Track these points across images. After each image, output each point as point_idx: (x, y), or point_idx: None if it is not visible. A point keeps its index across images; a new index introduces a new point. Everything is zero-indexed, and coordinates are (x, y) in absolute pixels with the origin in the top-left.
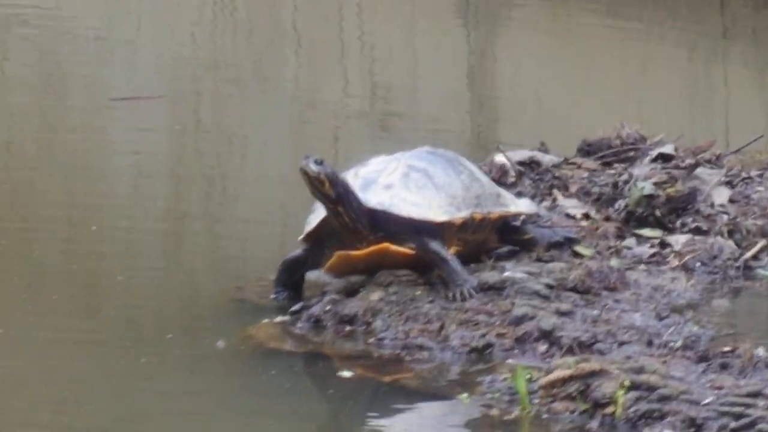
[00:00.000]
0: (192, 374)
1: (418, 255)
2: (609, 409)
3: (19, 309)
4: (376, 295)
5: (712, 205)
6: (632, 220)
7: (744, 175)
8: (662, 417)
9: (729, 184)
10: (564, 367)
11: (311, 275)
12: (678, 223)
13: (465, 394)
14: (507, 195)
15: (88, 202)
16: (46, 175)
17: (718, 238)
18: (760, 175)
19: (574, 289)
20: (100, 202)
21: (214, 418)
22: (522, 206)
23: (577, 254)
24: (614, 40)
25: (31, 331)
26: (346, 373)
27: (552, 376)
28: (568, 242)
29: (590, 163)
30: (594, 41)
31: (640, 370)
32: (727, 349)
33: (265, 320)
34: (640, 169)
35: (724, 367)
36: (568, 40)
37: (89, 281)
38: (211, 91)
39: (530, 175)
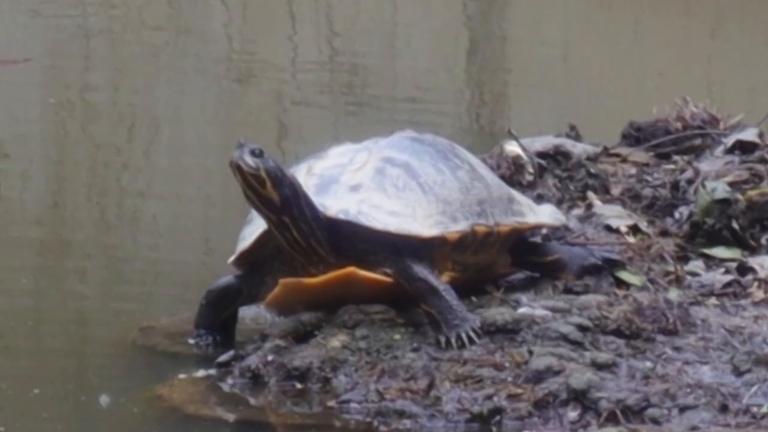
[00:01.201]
0: None
1: (396, 284)
2: None
3: None
4: (337, 341)
5: None
6: (699, 236)
7: None
8: None
9: None
10: None
11: (247, 312)
12: (764, 240)
13: None
14: (523, 200)
15: None
16: None
17: None
18: None
19: (617, 333)
20: None
21: None
22: (544, 216)
23: (621, 283)
24: None
25: None
26: None
27: None
28: (609, 266)
29: (640, 155)
30: None
31: None
32: None
33: (182, 375)
34: (711, 164)
35: None
36: None
37: None
38: (106, 53)
39: (555, 171)
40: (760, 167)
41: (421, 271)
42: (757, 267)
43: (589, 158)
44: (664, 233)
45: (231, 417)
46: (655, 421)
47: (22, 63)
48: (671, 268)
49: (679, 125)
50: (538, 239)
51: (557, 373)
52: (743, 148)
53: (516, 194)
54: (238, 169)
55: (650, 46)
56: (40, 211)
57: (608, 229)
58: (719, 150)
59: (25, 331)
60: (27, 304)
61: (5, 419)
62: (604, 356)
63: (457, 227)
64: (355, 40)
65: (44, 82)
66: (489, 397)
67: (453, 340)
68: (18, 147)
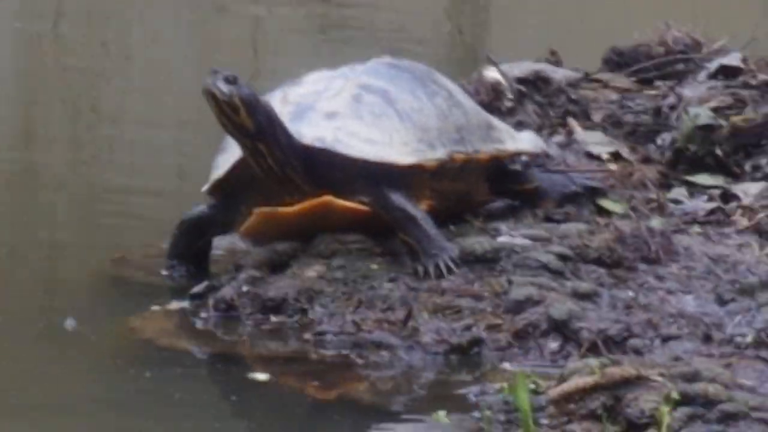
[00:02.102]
0: (46, 382)
1: (373, 212)
2: None
3: None
4: (313, 271)
5: None
6: (682, 162)
7: None
8: None
9: None
10: (584, 372)
11: (221, 242)
12: (748, 166)
13: (442, 412)
14: (502, 127)
15: None
16: None
17: None
18: None
19: (598, 261)
20: None
21: None
22: (523, 143)
23: (603, 211)
24: None
25: None
26: (262, 377)
27: (567, 386)
28: (590, 194)
29: (621, 80)
30: None
31: (693, 377)
32: None
33: (155, 307)
34: (694, 89)
35: None
36: None
37: None
38: None
39: (535, 97)
40: (744, 92)
41: (398, 199)
42: (740, 194)
43: (569, 84)
44: (646, 160)
45: (205, 350)
46: (637, 352)
47: None
48: (653, 196)
49: (661, 50)
50: (517, 167)
51: (537, 303)
52: (727, 73)
53: (495, 121)
54: (211, 96)
55: None
56: (11, 139)
57: (589, 156)
58: (702, 75)
59: None
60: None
61: None
62: (585, 286)
63: (435, 154)
64: None
65: (15, 9)
66: (468, 328)
67: (431, 270)
68: None
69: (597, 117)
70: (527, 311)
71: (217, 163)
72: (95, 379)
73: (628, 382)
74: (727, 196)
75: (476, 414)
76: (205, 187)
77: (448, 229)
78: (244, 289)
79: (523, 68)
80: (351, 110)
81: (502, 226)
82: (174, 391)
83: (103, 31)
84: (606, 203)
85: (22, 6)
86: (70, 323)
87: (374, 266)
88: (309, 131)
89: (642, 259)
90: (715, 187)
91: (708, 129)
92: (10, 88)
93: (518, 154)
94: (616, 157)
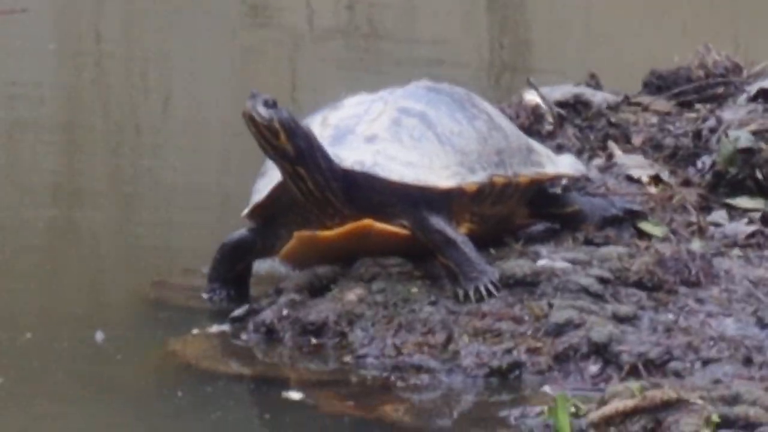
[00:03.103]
0: (95, 410)
1: (413, 236)
2: None
3: None
4: (353, 295)
5: None
6: (722, 185)
7: None
8: None
9: None
10: (625, 395)
11: (261, 266)
12: None
13: None
14: (542, 150)
15: None
16: None
17: None
18: None
19: (638, 285)
20: None
21: None
22: (563, 166)
23: (643, 234)
24: None
25: None
26: (300, 398)
27: (608, 409)
28: (631, 217)
29: (662, 103)
30: None
31: (733, 400)
32: None
33: (195, 330)
34: (734, 112)
35: None
36: None
37: None
38: (124, 7)
39: (575, 120)
40: None
41: (438, 222)
42: None
43: (609, 107)
44: (687, 183)
45: (246, 373)
46: (678, 375)
47: (18, 12)
48: (693, 219)
49: (701, 73)
50: (557, 190)
51: (578, 326)
52: (767, 96)
53: (535, 144)
54: (251, 120)
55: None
56: (54, 162)
57: (629, 179)
58: (742, 98)
59: (39, 282)
60: (40, 254)
61: (27, 376)
62: (625, 309)
63: (474, 178)
64: None
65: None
66: (508, 351)
67: (471, 293)
68: (30, 97)
69: (637, 140)
70: (567, 334)
71: (257, 187)
72: (133, 399)
73: (669, 405)
74: (767, 219)
75: None
76: (245, 212)
77: (488, 252)
78: (285, 312)
79: (562, 92)
80: (390, 134)
81: (542, 250)
82: (212, 411)
83: (140, 50)
84: (646, 226)
85: (55, 27)
86: (99, 336)
87: (414, 290)
88: (349, 155)
89: (682, 282)
90: (756, 210)
91: (748, 152)
92: (49, 108)
93: (558, 177)
94: (656, 180)
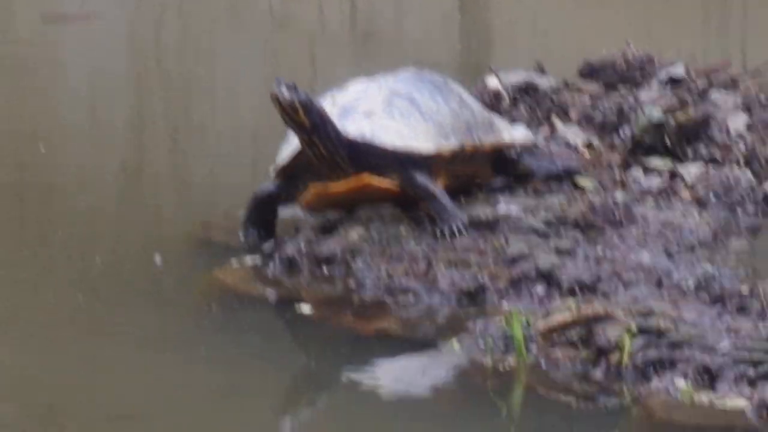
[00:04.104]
0: (152, 319)
1: (402, 189)
2: (614, 357)
3: None
4: (355, 233)
5: (727, 133)
6: (639, 149)
7: (762, 98)
8: (673, 365)
9: (746, 109)
10: (564, 310)
11: (285, 212)
12: (689, 152)
13: (455, 342)
14: (501, 123)
15: (39, 128)
16: None
17: (734, 168)
18: None
19: (574, 225)
20: (52, 129)
21: (175, 368)
22: (517, 135)
23: (577, 187)
24: None
25: None
26: (313, 313)
27: (551, 321)
28: (568, 174)
29: (592, 86)
30: None
31: (648, 314)
32: (744, 289)
33: (234, 262)
34: (648, 93)
35: (741, 309)
36: None
37: (38, 219)
38: (174, 10)
39: (526, 100)
40: (686, 95)
41: (421, 178)
42: (684, 174)
43: (552, 90)
44: (612, 147)
45: (273, 295)
46: (605, 295)
47: (93, 18)
48: (617, 175)
49: (623, 63)
50: (513, 153)
51: (528, 257)
52: (673, 80)
53: (495, 118)
54: (276, 100)
55: (604, 2)
56: (122, 135)
57: (567, 145)
58: (654, 82)
59: (106, 224)
60: (110, 204)
61: (105, 298)
62: (564, 244)
63: (449, 144)
64: (374, 2)
65: (122, 37)
66: (475, 277)
67: (446, 232)
68: (104, 91)
69: (573, 115)
70: (520, 264)
71: (281, 152)
72: (184, 312)
73: (598, 318)
74: (673, 175)
75: (481, 342)
76: (272, 170)
77: (460, 201)
78: (302, 247)
79: (516, 77)
80: (384, 110)
81: (501, 199)
82: (244, 322)
83: (192, 47)
84: (581, 181)
85: (128, 44)
86: (157, 259)
87: (402, 229)
88: (352, 127)
89: (608, 223)
90: (665, 168)
91: (659, 124)
92: (121, 93)
93: (513, 144)
94: (588, 145)
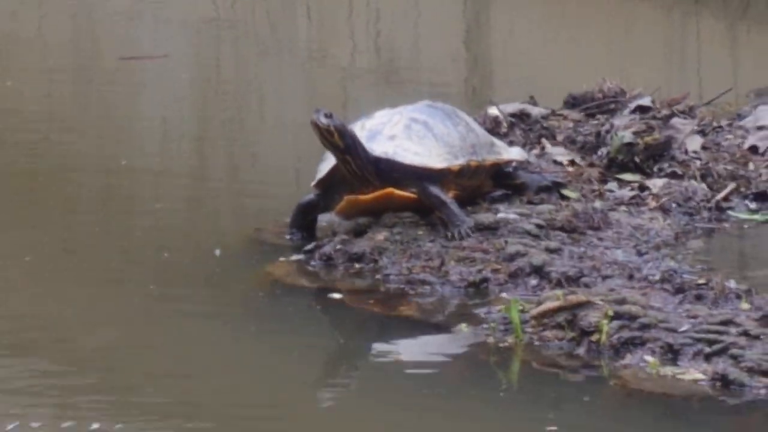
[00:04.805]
0: (213, 306)
1: (419, 199)
2: (594, 337)
3: (55, 244)
4: (381, 235)
5: (686, 152)
6: (614, 166)
7: (715, 124)
8: (643, 343)
9: (701, 132)
10: (553, 299)
11: (323, 218)
12: (655, 168)
13: (464, 325)
14: (500, 144)
15: (120, 145)
16: (81, 121)
17: (692, 181)
18: (729, 125)
19: (561, 229)
20: (131, 150)
21: (234, 346)
22: (513, 154)
23: (564, 197)
24: (601, 2)
25: (65, 263)
26: (345, 301)
27: (542, 308)
28: (556, 186)
29: (575, 114)
30: (582, 3)
31: (622, 302)
32: (701, 281)
33: (282, 259)
34: (621, 120)
35: (698, 298)
36: (557, 3)
37: (120, 219)
38: (229, 49)
39: (521, 125)
40: (653, 122)
41: (435, 190)
42: (651, 186)
43: (543, 117)
44: (591, 165)
45: (312, 285)
46: (586, 286)
47: (160, 58)
48: (596, 187)
49: (600, 95)
50: (510, 169)
51: (523, 255)
52: (642, 109)
53: (496, 140)
54: (315, 126)
55: (586, 40)
56: (187, 153)
57: (555, 162)
58: (626, 111)
59: (175, 226)
60: (178, 209)
61: (174, 287)
62: (553, 244)
63: (458, 162)
64: (392, 39)
65: (194, 68)
66: (480, 271)
67: (456, 235)
68: (173, 115)
69: (560, 138)
70: (517, 260)
71: (320, 168)
72: (239, 300)
73: (581, 305)
74: (642, 188)
75: (485, 326)
76: (313, 183)
77: (467, 209)
78: (338, 247)
79: (513, 107)
80: (404, 134)
81: (501, 207)
82: (289, 307)
83: (246, 83)
84: (566, 192)
85: (193, 59)
86: (217, 252)
87: (420, 232)
88: (378, 147)
89: (589, 227)
90: (635, 181)
91: (630, 145)
92: (187, 116)
93: (510, 161)
94: (572, 163)
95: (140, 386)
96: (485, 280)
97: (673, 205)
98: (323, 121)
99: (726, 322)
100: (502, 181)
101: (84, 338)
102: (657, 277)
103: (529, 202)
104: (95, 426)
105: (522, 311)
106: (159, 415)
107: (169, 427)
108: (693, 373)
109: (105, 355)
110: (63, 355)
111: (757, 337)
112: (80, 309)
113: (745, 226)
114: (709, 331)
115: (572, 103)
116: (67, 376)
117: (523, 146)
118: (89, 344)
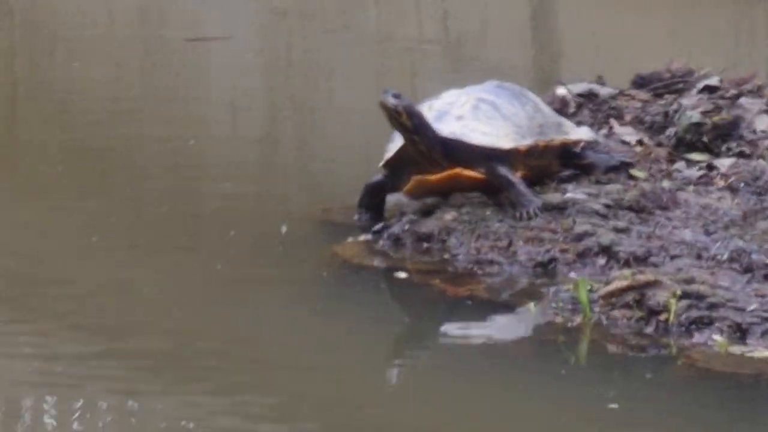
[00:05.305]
0: (283, 286)
1: (487, 179)
2: (663, 316)
3: (124, 220)
4: (450, 216)
5: (754, 132)
6: (682, 146)
7: None
8: (711, 323)
9: None
10: (621, 278)
11: (391, 198)
12: (723, 148)
13: (532, 304)
14: (568, 124)
15: (189, 126)
16: (149, 102)
17: (760, 161)
18: None
19: (629, 208)
20: (199, 129)
21: (303, 326)
22: (581, 134)
23: (632, 177)
24: None
25: (134, 239)
26: (413, 280)
27: (611, 287)
28: (624, 166)
29: (643, 94)
30: None
31: (690, 281)
32: None
33: (350, 239)
34: (689, 100)
35: (766, 277)
36: None
37: (188, 198)
38: (300, 33)
39: (589, 106)
40: (720, 102)
41: (503, 170)
42: (719, 165)
43: (610, 97)
44: (659, 144)
45: (381, 266)
46: (655, 265)
47: (225, 39)
48: (664, 167)
49: (668, 75)
50: (578, 149)
51: (591, 235)
52: (709, 89)
53: (563, 120)
54: (384, 106)
55: (653, 20)
56: (257, 135)
57: (623, 142)
58: (694, 91)
59: (245, 207)
60: (248, 190)
61: (245, 266)
62: (621, 224)
63: (525, 142)
64: (459, 21)
65: (265, 51)
66: (548, 251)
67: (524, 215)
68: (248, 95)
69: (628, 118)
70: (585, 240)
71: (387, 148)
72: (310, 279)
73: (649, 285)
74: (710, 167)
75: (553, 305)
76: (381, 163)
77: (535, 189)
78: (406, 227)
79: (581, 87)
80: (472, 114)
81: (569, 187)
82: (358, 287)
83: (315, 65)
84: (634, 172)
85: (261, 41)
86: (284, 228)
87: (488, 212)
88: (446, 128)
89: (657, 207)
90: (703, 161)
91: (698, 125)
92: (256, 100)
93: (578, 141)
94: (640, 143)
95: (203, 363)
96: (553, 259)
97: (741, 184)
98: (392, 101)
99: None
100: (570, 161)
101: (152, 318)
102: (725, 257)
103: (597, 182)
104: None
105: (590, 291)
106: (221, 391)
107: (235, 402)
108: (762, 351)
109: (170, 331)
110: (127, 329)
111: None
112: (146, 286)
113: None
114: None
115: (640, 83)
116: (131, 352)
117: (591, 126)
118: (153, 320)
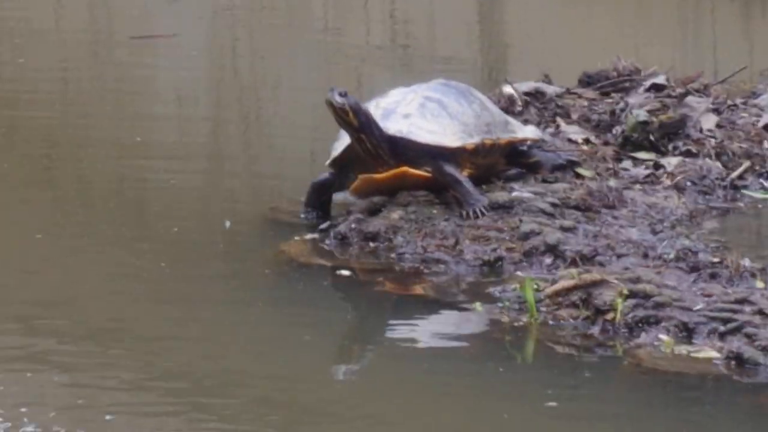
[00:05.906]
0: (225, 283)
1: (434, 177)
2: (609, 316)
3: (69, 216)
4: (396, 214)
5: (700, 131)
6: (628, 145)
7: (729, 102)
8: (657, 322)
9: (716, 111)
10: (568, 277)
11: (338, 196)
12: (670, 147)
13: (478, 304)
14: (514, 122)
15: (135, 123)
16: (94, 99)
17: (707, 160)
18: (744, 103)
19: (576, 207)
20: (145, 123)
21: (246, 325)
22: (528, 132)
23: (578, 175)
24: None
25: (81, 238)
26: (354, 278)
27: (557, 286)
28: (571, 165)
29: (590, 93)
30: None
31: (636, 280)
32: (715, 260)
33: (297, 237)
34: (635, 98)
35: (713, 276)
36: None
37: (134, 196)
38: (247, 30)
39: (535, 104)
40: (667, 100)
41: (449, 168)
42: (666, 164)
43: (557, 95)
44: (606, 143)
45: (327, 264)
46: (601, 264)
47: (171, 37)
48: (611, 166)
49: (615, 74)
50: (525, 148)
51: (538, 234)
52: (656, 88)
53: (510, 119)
54: (330, 104)
55: (600, 19)
56: (203, 132)
57: (570, 141)
58: (641, 89)
59: (191, 205)
60: (194, 188)
61: (189, 265)
62: (567, 223)
63: (472, 140)
64: (406, 18)
65: (211, 49)
66: (494, 250)
67: (470, 213)
68: (193, 92)
69: (574, 116)
70: (531, 239)
71: (334, 146)
72: (255, 279)
73: (596, 284)
74: (657, 166)
75: (499, 304)
76: (327, 162)
77: (481, 187)
78: (353, 226)
79: (527, 86)
80: (419, 113)
81: (515, 185)
82: (303, 284)
83: (263, 67)
84: (581, 171)
85: (207, 39)
86: (227, 224)
87: (435, 211)
88: (392, 126)
89: (603, 205)
90: (650, 160)
91: (645, 123)
92: (202, 95)
93: (525, 140)
94: (587, 141)
95: (149, 361)
96: (500, 258)
97: (688, 183)
98: (338, 99)
99: (741, 301)
100: (516, 160)
101: (96, 315)
102: (672, 256)
103: (544, 181)
104: (111, 396)
105: (537, 290)
106: (167, 392)
107: (180, 402)
108: (707, 351)
109: (116, 330)
110: (74, 331)
111: None
112: (92, 285)
113: (760, 205)
114: (723, 310)
115: (587, 81)
116: (78, 352)
117: (538, 125)
118: (100, 321)
